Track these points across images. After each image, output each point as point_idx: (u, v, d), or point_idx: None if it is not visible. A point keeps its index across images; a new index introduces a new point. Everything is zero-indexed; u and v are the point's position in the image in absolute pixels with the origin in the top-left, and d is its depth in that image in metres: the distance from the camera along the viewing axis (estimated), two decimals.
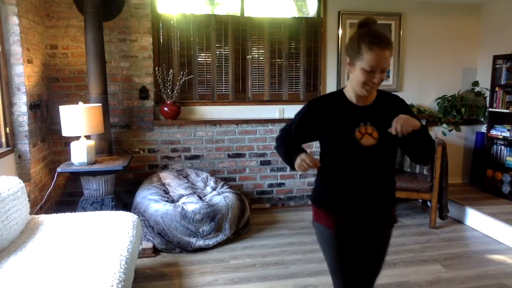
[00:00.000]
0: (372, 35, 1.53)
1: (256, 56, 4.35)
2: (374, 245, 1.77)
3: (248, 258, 3.21)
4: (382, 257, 1.81)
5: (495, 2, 4.65)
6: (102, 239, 2.34)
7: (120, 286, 1.88)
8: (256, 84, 4.39)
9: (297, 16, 4.50)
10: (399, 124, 1.50)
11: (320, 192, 1.77)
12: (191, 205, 3.32)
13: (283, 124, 4.24)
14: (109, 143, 3.66)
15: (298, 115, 1.75)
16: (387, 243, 1.81)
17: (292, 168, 1.69)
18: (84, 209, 3.32)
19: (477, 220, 3.85)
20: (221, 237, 3.38)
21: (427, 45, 4.69)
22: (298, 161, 1.61)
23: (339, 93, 1.70)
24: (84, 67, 3.75)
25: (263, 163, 4.38)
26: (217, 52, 4.25)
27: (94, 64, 3.46)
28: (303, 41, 4.42)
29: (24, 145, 3.24)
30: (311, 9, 4.55)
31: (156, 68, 4.03)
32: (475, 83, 4.86)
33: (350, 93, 1.66)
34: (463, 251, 3.38)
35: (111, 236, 2.38)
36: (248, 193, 4.36)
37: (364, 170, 1.65)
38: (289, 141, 1.77)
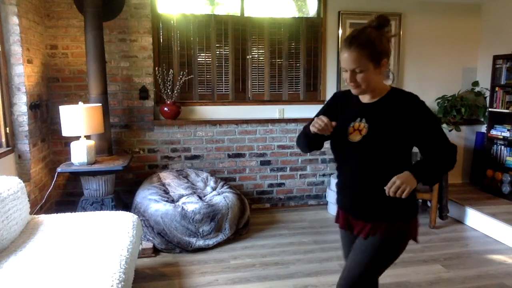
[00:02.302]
0: (346, 37, 1.58)
1: (256, 56, 4.35)
2: (356, 246, 1.67)
3: (248, 258, 3.22)
4: (357, 261, 1.63)
5: (495, 2, 4.64)
6: (102, 239, 2.34)
7: (120, 286, 1.88)
8: (256, 84, 4.39)
9: (297, 16, 4.50)
10: (392, 188, 1.48)
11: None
12: (191, 205, 3.32)
13: (283, 124, 4.33)
14: (109, 143, 3.66)
15: (323, 106, 1.82)
16: (371, 251, 1.61)
17: (309, 138, 1.67)
18: (84, 209, 3.32)
19: (477, 220, 3.85)
20: (221, 237, 3.38)
21: (427, 45, 4.68)
22: (314, 120, 1.58)
23: None
24: (84, 67, 3.75)
25: (263, 163, 4.38)
26: (217, 52, 4.25)
27: (94, 64, 3.46)
28: (303, 41, 4.41)
29: (24, 145, 3.24)
30: (311, 9, 4.54)
31: (156, 68, 4.03)
32: (475, 83, 4.85)
33: None
34: (463, 251, 3.38)
35: (111, 236, 2.38)
36: (248, 193, 4.36)
37: (353, 167, 1.65)
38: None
